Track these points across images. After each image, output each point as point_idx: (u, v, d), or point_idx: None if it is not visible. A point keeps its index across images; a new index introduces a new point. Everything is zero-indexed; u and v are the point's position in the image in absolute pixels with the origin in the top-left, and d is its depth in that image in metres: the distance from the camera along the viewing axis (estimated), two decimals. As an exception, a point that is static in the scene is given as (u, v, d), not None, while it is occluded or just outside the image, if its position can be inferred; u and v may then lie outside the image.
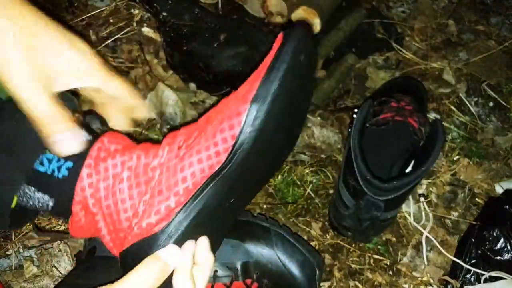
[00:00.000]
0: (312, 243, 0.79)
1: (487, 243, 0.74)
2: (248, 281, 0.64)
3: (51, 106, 0.42)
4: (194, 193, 0.44)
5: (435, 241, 0.79)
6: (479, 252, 0.74)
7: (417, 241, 0.81)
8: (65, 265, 0.72)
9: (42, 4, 1.02)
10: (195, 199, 0.44)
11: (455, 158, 0.90)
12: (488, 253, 0.74)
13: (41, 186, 0.48)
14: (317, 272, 0.66)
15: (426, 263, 0.78)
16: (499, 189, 0.86)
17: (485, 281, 0.72)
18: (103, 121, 0.52)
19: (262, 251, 0.65)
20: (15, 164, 0.47)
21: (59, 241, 0.73)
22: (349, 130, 0.87)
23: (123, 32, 1.00)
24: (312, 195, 0.84)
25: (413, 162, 0.77)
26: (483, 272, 0.72)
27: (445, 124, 0.94)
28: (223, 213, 0.49)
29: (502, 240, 0.73)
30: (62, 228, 0.75)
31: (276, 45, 0.47)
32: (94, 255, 0.60)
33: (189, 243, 0.44)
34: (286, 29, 0.47)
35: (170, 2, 1.06)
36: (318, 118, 0.92)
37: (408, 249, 0.80)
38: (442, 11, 1.15)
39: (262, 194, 0.83)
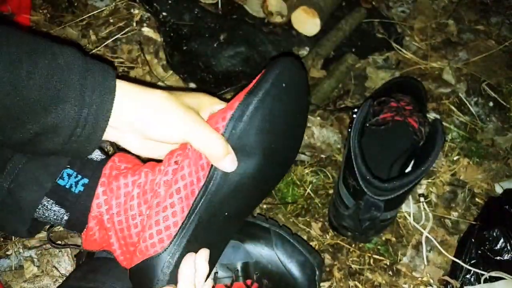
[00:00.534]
0: (312, 243, 0.79)
1: (487, 243, 0.74)
2: (248, 281, 0.64)
3: None
4: (189, 212, 0.49)
5: (435, 241, 0.79)
6: (479, 252, 0.74)
7: (417, 241, 0.81)
8: (65, 265, 0.72)
9: (42, 4, 1.02)
10: (190, 217, 0.49)
11: (455, 158, 0.90)
12: (488, 253, 0.74)
13: (58, 200, 0.53)
14: (317, 272, 0.66)
15: (426, 263, 0.79)
16: (499, 189, 0.86)
17: (485, 281, 0.72)
18: (112, 143, 0.56)
19: (262, 252, 0.65)
20: (44, 171, 0.51)
21: (59, 241, 0.73)
22: (349, 130, 0.87)
23: (123, 32, 1.00)
24: (312, 195, 0.84)
25: (413, 162, 0.77)
26: (483, 272, 0.72)
27: (445, 124, 0.94)
28: (219, 226, 0.52)
29: (502, 240, 0.73)
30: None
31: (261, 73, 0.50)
32: (94, 256, 0.61)
33: (189, 256, 0.49)
34: (276, 59, 0.51)
35: (170, 2, 1.06)
36: (318, 118, 0.92)
37: (408, 249, 0.80)
38: (442, 11, 1.15)
39: (262, 194, 0.83)
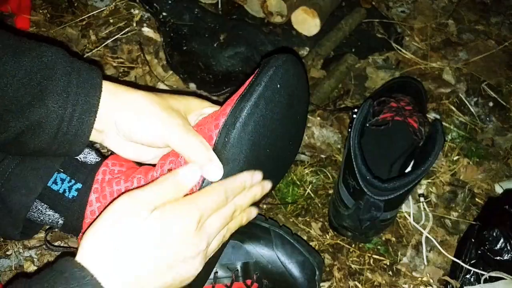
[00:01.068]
0: (312, 243, 0.79)
1: (487, 243, 0.74)
2: (248, 281, 0.64)
3: None
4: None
5: (435, 241, 0.79)
6: (479, 252, 0.74)
7: (417, 241, 0.81)
8: (65, 265, 0.72)
9: (42, 4, 1.02)
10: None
11: (455, 158, 0.90)
12: (488, 253, 0.73)
13: (52, 204, 0.53)
14: (317, 272, 0.66)
15: (426, 263, 0.78)
16: (499, 189, 0.86)
17: (485, 281, 0.72)
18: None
19: (262, 252, 0.65)
20: (35, 175, 0.51)
21: (59, 241, 0.73)
22: (349, 130, 0.87)
23: (123, 32, 1.00)
24: (312, 195, 0.84)
25: (413, 162, 0.77)
26: (483, 272, 0.72)
27: (445, 124, 0.94)
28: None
29: (502, 240, 0.73)
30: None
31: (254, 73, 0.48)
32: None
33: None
34: (266, 58, 0.48)
35: (170, 2, 1.06)
36: (318, 118, 0.92)
37: (408, 249, 0.80)
38: (442, 11, 1.16)
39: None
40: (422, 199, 0.84)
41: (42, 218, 0.53)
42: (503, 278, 0.71)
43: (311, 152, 0.88)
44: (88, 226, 0.47)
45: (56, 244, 0.71)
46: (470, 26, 1.13)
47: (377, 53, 1.05)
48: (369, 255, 0.79)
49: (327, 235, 0.80)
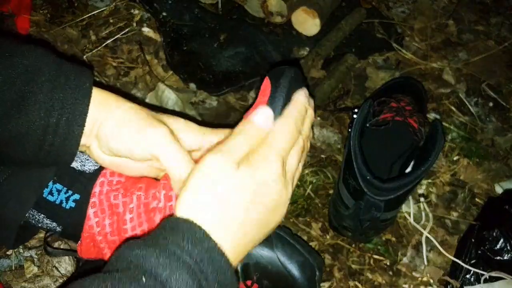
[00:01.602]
0: (312, 243, 0.79)
1: (487, 243, 0.74)
2: (249, 282, 0.64)
3: None
4: None
5: (435, 241, 0.79)
6: (479, 252, 0.74)
7: (417, 241, 0.81)
8: (65, 265, 0.72)
9: (42, 4, 1.02)
10: None
11: (455, 158, 0.90)
12: (488, 253, 0.74)
13: (49, 214, 0.51)
14: (317, 273, 0.66)
15: (426, 263, 0.79)
16: (499, 189, 0.86)
17: (485, 281, 0.72)
18: None
19: (262, 253, 0.65)
20: (27, 187, 0.49)
21: (59, 241, 0.73)
22: (349, 130, 0.87)
23: (123, 32, 1.01)
24: (312, 195, 0.84)
25: (413, 162, 0.77)
26: (483, 272, 0.72)
27: (445, 124, 0.94)
28: None
29: (502, 240, 0.73)
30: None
31: (264, 87, 0.48)
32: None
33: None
34: (278, 69, 0.48)
35: (170, 2, 1.06)
36: (318, 118, 0.92)
37: (408, 249, 0.80)
38: (442, 11, 1.15)
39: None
40: (422, 199, 0.84)
41: (40, 225, 0.52)
42: (503, 278, 0.71)
43: (311, 152, 0.88)
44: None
45: (55, 245, 0.71)
46: (470, 26, 1.13)
47: (377, 53, 1.05)
48: (369, 255, 0.79)
49: (327, 235, 0.80)
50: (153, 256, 0.35)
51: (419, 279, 0.77)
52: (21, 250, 0.73)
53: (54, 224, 0.52)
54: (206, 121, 0.90)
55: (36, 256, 0.73)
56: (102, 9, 1.04)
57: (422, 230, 0.80)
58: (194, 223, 0.38)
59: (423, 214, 0.83)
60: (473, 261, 0.74)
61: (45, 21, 1.00)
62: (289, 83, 0.46)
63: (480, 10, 1.17)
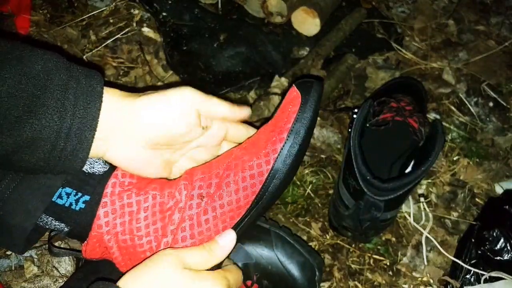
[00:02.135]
0: (312, 243, 0.79)
1: (487, 243, 0.74)
2: (249, 282, 0.64)
3: None
4: None
5: (435, 241, 0.79)
6: (479, 252, 0.74)
7: (417, 241, 0.81)
8: (65, 266, 0.72)
9: (42, 4, 1.02)
10: None
11: (455, 158, 0.90)
12: (488, 253, 0.74)
13: (58, 217, 0.51)
14: (317, 273, 0.66)
15: (426, 263, 0.79)
16: (499, 189, 0.86)
17: (485, 281, 0.72)
18: None
19: (262, 253, 0.65)
20: (34, 197, 0.49)
21: (59, 241, 0.73)
22: (349, 130, 0.87)
23: (123, 32, 1.00)
24: (312, 195, 0.84)
25: (413, 162, 0.77)
26: (483, 272, 0.72)
27: (445, 124, 0.94)
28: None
29: (502, 240, 0.73)
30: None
31: (292, 96, 0.51)
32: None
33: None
34: (306, 81, 0.52)
35: (170, 2, 1.06)
36: (318, 118, 0.92)
37: (408, 249, 0.80)
38: (442, 11, 1.15)
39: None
40: (422, 199, 0.84)
41: (47, 227, 0.52)
42: (503, 278, 0.71)
43: (311, 152, 0.88)
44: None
45: (57, 244, 0.71)
46: (470, 26, 1.13)
47: (377, 53, 1.05)
48: (369, 255, 0.79)
49: (327, 235, 0.80)
50: None
51: (419, 279, 0.77)
52: (21, 250, 0.73)
53: (63, 225, 0.52)
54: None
55: (36, 256, 0.73)
56: (102, 9, 1.04)
57: (422, 230, 0.80)
58: None
59: (423, 214, 0.83)
60: (473, 261, 0.74)
61: (45, 21, 1.00)
62: (318, 100, 0.50)
63: (480, 10, 1.17)
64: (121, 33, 1.00)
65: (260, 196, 0.50)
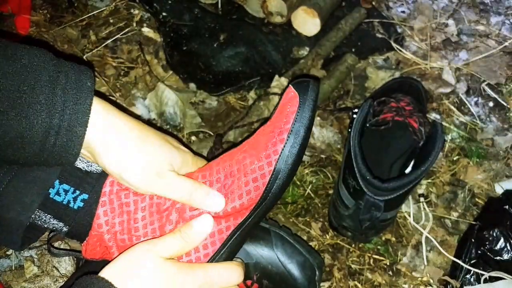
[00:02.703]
0: (312, 243, 0.79)
1: (487, 243, 0.74)
2: (249, 282, 0.64)
3: None
4: (219, 247, 0.51)
5: (435, 241, 0.79)
6: (479, 252, 0.74)
7: (417, 241, 0.81)
8: (65, 265, 0.72)
9: (42, 4, 1.02)
10: (221, 250, 0.51)
11: (455, 158, 0.90)
12: (488, 253, 0.74)
13: (56, 215, 0.51)
14: (317, 272, 0.66)
15: (426, 263, 0.79)
16: (499, 189, 0.86)
17: (485, 281, 0.72)
18: None
19: (262, 252, 0.65)
20: (30, 191, 0.49)
21: (59, 241, 0.73)
22: (349, 130, 0.87)
23: (123, 32, 1.01)
24: (312, 195, 0.84)
25: (413, 162, 0.77)
26: (483, 272, 0.72)
27: (445, 124, 0.94)
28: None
29: (502, 240, 0.73)
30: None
31: (289, 96, 0.51)
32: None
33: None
34: (302, 80, 0.52)
35: (170, 2, 1.06)
36: (318, 118, 0.92)
37: (408, 249, 0.80)
38: (442, 11, 1.16)
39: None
40: (422, 199, 0.84)
41: (46, 225, 0.52)
42: (503, 278, 0.71)
43: (311, 152, 0.88)
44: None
45: (56, 244, 0.71)
46: (470, 26, 1.13)
47: (377, 53, 1.05)
48: (369, 255, 0.79)
49: (327, 235, 0.80)
50: None
51: (419, 279, 0.77)
52: (21, 250, 0.73)
53: (61, 224, 0.51)
54: (206, 120, 0.90)
55: (36, 256, 0.73)
56: (102, 9, 1.04)
57: (422, 230, 0.80)
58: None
59: (423, 214, 0.83)
60: (473, 261, 0.74)
61: (45, 21, 1.00)
62: (315, 99, 0.50)
63: (480, 10, 1.17)
64: (121, 33, 1.00)
65: (263, 198, 0.50)
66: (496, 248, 0.73)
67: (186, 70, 0.96)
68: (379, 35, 1.08)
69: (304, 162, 0.87)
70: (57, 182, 0.50)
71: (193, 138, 0.88)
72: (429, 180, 0.87)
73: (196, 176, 0.52)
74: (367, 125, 0.77)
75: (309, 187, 0.84)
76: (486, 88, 1.02)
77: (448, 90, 1.00)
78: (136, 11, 1.05)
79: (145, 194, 0.51)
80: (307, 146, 0.88)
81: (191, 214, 0.50)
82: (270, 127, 0.51)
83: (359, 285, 0.76)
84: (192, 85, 0.95)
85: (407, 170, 0.76)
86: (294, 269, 0.65)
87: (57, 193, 0.50)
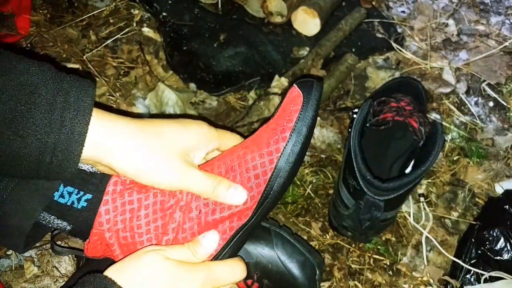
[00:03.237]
0: (312, 243, 0.79)
1: (487, 243, 0.74)
2: (249, 281, 0.64)
3: None
4: (223, 246, 0.51)
5: (435, 241, 0.79)
6: (479, 252, 0.74)
7: (417, 241, 0.81)
8: (65, 265, 0.72)
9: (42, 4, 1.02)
10: (223, 250, 0.52)
11: (455, 158, 0.90)
12: (488, 253, 0.74)
13: (60, 215, 0.51)
14: (317, 272, 0.66)
15: (426, 263, 0.79)
16: (499, 189, 0.86)
17: (485, 281, 0.72)
18: None
19: (262, 252, 0.65)
20: (32, 198, 0.49)
21: (59, 241, 0.73)
22: (349, 130, 0.87)
23: (123, 32, 1.01)
24: (312, 195, 0.84)
25: (413, 162, 0.77)
26: (483, 272, 0.72)
27: (445, 124, 0.94)
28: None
29: (502, 240, 0.73)
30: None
31: (293, 95, 0.51)
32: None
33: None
34: (307, 80, 0.52)
35: (170, 2, 1.06)
36: (318, 118, 0.92)
37: (408, 249, 0.80)
38: (442, 11, 1.16)
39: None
40: (422, 199, 0.84)
41: (50, 225, 0.52)
42: (503, 278, 0.71)
43: (311, 152, 0.88)
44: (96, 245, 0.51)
45: (58, 243, 0.71)
46: (470, 26, 1.13)
47: (377, 53, 1.05)
48: (369, 255, 0.79)
49: (327, 235, 0.80)
50: None
51: (419, 279, 0.77)
52: (21, 250, 0.73)
53: (65, 223, 0.52)
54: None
55: (36, 256, 0.73)
56: (102, 9, 1.04)
57: (422, 230, 0.80)
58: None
59: (423, 214, 0.83)
60: (473, 261, 0.74)
61: (45, 21, 1.00)
62: (319, 99, 0.51)
63: (480, 10, 1.17)
64: (121, 33, 1.00)
65: (265, 196, 0.50)
66: (496, 248, 0.74)
67: (186, 70, 0.96)
68: (379, 35, 1.08)
69: (304, 162, 0.87)
70: (61, 185, 0.51)
71: (193, 138, 0.88)
72: (429, 180, 0.87)
73: None
74: (367, 125, 0.77)
75: (309, 187, 0.84)
76: (486, 88, 1.02)
77: (448, 90, 1.00)
78: (136, 11, 1.05)
79: (149, 192, 0.51)
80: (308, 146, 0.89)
81: (197, 214, 0.50)
82: (272, 125, 0.51)
83: (359, 285, 0.76)
84: (192, 85, 0.95)
85: (407, 170, 0.76)
86: (294, 268, 0.65)
87: (61, 196, 0.51)
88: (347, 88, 0.98)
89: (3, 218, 0.49)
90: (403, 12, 1.15)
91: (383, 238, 0.81)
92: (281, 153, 0.49)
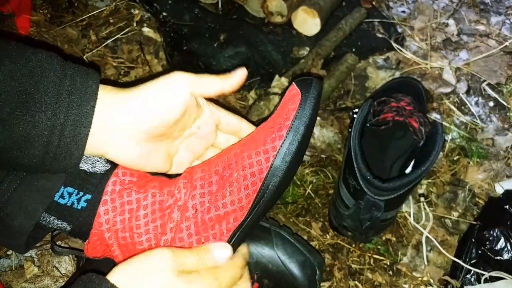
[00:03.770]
0: (312, 243, 0.79)
1: (487, 243, 0.74)
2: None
3: None
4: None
5: (435, 241, 0.79)
6: (479, 252, 0.74)
7: (417, 241, 0.81)
8: (66, 265, 0.72)
9: (42, 4, 1.02)
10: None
11: (455, 158, 0.90)
12: (488, 253, 0.74)
13: (60, 216, 0.51)
14: (318, 272, 0.66)
15: (426, 263, 0.79)
16: (499, 189, 0.86)
17: (485, 281, 0.72)
18: None
19: (262, 252, 0.65)
20: (34, 199, 0.50)
21: (59, 241, 0.73)
22: (349, 130, 0.87)
23: (123, 32, 1.01)
24: (312, 195, 0.84)
25: (413, 162, 0.77)
26: (483, 272, 0.72)
27: (445, 124, 0.94)
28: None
29: (502, 240, 0.73)
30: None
31: (291, 94, 0.51)
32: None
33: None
34: (306, 79, 0.52)
35: (170, 2, 1.06)
36: (318, 118, 0.92)
37: (408, 249, 0.80)
38: (442, 11, 1.16)
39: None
40: (422, 199, 0.84)
41: (50, 225, 0.52)
42: (503, 278, 0.71)
43: (311, 152, 0.88)
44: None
45: (58, 244, 0.71)
46: (470, 26, 1.13)
47: (377, 53, 1.05)
48: (369, 255, 0.79)
49: (327, 235, 0.80)
50: None
51: (419, 279, 0.77)
52: (21, 250, 0.73)
53: (65, 224, 0.52)
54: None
55: (36, 256, 0.73)
56: (102, 9, 1.04)
57: (422, 230, 0.80)
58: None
59: (423, 214, 0.83)
60: (473, 261, 0.74)
61: (45, 21, 1.00)
62: (317, 97, 0.50)
63: (480, 10, 1.17)
64: (121, 33, 1.00)
65: (261, 195, 0.50)
66: (496, 248, 0.74)
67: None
68: (379, 35, 1.08)
69: (304, 162, 0.87)
70: (61, 186, 0.51)
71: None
72: (430, 180, 0.87)
73: (196, 171, 0.52)
74: (368, 125, 0.77)
75: (310, 187, 0.84)
76: (487, 88, 1.02)
77: (448, 90, 1.00)
78: (136, 11, 1.05)
79: (147, 192, 0.51)
80: (308, 146, 0.89)
81: (193, 213, 0.50)
82: (270, 123, 0.51)
83: (359, 285, 0.76)
84: (192, 85, 0.94)
85: (407, 170, 0.76)
86: (294, 268, 0.65)
87: (61, 196, 0.51)
88: (347, 88, 0.98)
89: (6, 219, 0.49)
90: (403, 12, 1.15)
91: (383, 238, 0.81)
92: (277, 152, 0.49)
